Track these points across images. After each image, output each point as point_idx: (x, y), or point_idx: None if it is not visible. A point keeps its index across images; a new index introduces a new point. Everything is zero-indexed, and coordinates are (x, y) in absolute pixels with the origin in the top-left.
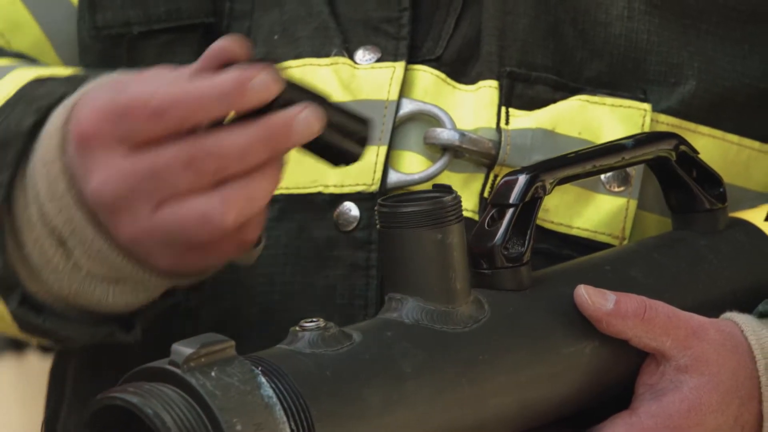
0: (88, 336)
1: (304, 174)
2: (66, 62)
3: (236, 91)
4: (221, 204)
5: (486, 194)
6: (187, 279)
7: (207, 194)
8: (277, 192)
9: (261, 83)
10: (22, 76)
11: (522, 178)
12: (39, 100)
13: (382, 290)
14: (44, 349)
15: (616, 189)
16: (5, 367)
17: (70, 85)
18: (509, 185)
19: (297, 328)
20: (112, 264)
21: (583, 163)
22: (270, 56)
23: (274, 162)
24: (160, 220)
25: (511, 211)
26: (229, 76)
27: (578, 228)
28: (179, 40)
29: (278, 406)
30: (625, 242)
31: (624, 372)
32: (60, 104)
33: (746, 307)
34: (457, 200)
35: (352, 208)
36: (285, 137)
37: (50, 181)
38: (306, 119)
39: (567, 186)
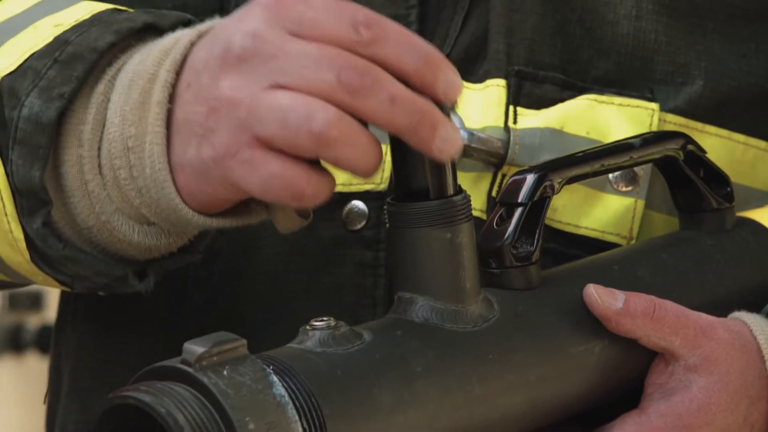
0: (102, 274)
1: None
2: None
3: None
4: (333, 116)
5: (494, 194)
6: (212, 220)
7: (326, 103)
8: None
9: (448, 136)
10: (96, 5)
11: (530, 177)
12: (119, 23)
13: (391, 289)
14: (44, 350)
15: (624, 189)
16: (5, 367)
17: (152, 15)
18: (517, 184)
19: (307, 327)
20: (150, 189)
21: (591, 162)
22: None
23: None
24: (272, 96)
25: (519, 210)
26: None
27: (586, 228)
28: None
29: (290, 405)
30: (633, 242)
31: (633, 372)
32: (147, 34)
33: (754, 307)
34: (467, 199)
35: (360, 207)
36: (432, 125)
37: (142, 93)
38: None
39: (575, 186)
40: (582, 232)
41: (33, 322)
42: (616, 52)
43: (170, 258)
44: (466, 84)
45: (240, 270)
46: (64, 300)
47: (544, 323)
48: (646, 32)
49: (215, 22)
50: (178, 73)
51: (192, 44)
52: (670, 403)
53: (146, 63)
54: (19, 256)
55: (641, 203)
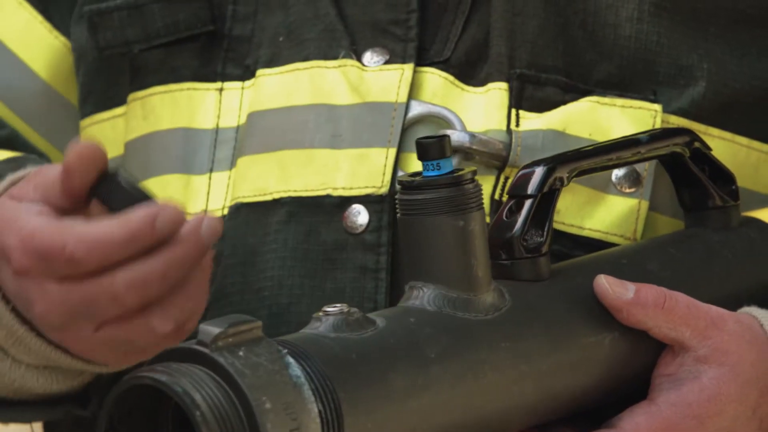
0: (47, 416)
1: (312, 177)
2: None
3: (146, 231)
4: (161, 317)
5: (497, 196)
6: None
7: (145, 312)
8: (286, 195)
9: (167, 219)
10: None
11: (539, 170)
12: None
13: (392, 293)
14: None
15: (628, 190)
16: None
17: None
18: (527, 177)
19: (320, 313)
20: (54, 360)
21: (599, 156)
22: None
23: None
24: (104, 336)
25: (529, 202)
26: (137, 216)
27: (590, 229)
28: (181, 50)
29: (306, 386)
30: None
31: (642, 363)
32: None
33: (762, 303)
34: (478, 187)
35: (361, 211)
36: (199, 253)
37: None
38: (211, 228)
39: (578, 187)
40: (585, 233)
41: None
42: (619, 54)
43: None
44: (467, 87)
45: (243, 274)
46: None
47: (555, 314)
48: (648, 35)
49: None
50: None
51: None
52: (680, 393)
53: None
54: None
55: (645, 204)
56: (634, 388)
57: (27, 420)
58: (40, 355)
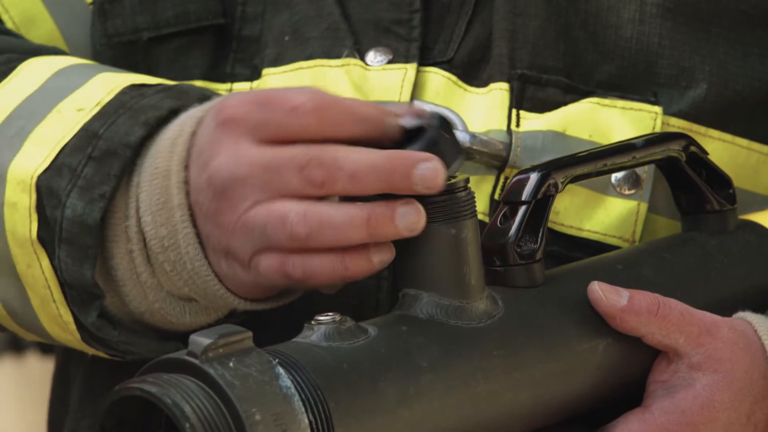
0: (155, 351)
1: None
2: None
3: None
4: (302, 213)
5: (497, 196)
6: (257, 305)
7: (298, 201)
8: None
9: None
10: (112, 80)
11: (534, 176)
12: (146, 112)
13: (395, 292)
14: (44, 350)
15: (627, 192)
16: (5, 367)
17: (174, 97)
18: (521, 183)
19: (312, 322)
20: (195, 281)
21: (594, 162)
22: None
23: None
24: (253, 214)
25: (523, 208)
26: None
27: (588, 231)
28: (192, 44)
29: (296, 397)
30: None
31: (636, 370)
32: (171, 119)
33: (758, 307)
34: (471, 195)
35: None
36: (406, 177)
37: (162, 193)
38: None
39: (577, 188)
40: (585, 235)
41: None
42: (620, 55)
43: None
44: (469, 88)
45: None
46: None
47: (548, 320)
48: (650, 36)
49: (213, 104)
50: (188, 166)
51: (193, 133)
52: (674, 400)
53: (158, 158)
54: (69, 336)
55: (644, 206)
56: (629, 394)
57: (138, 348)
58: (188, 265)
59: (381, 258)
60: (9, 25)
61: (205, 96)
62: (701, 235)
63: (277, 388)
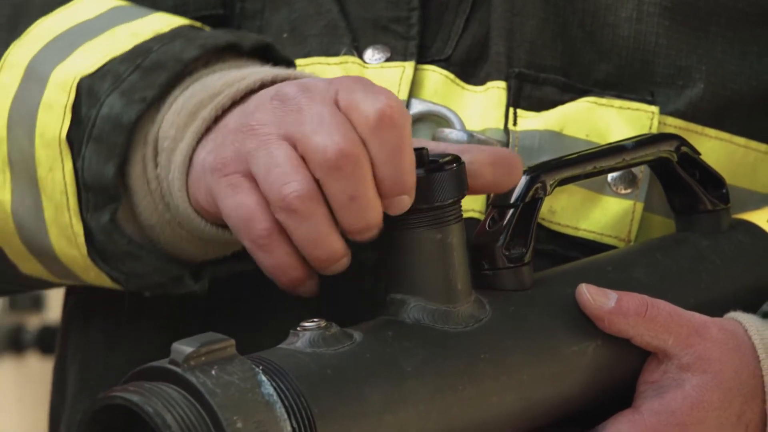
0: (159, 272)
1: None
2: None
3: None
4: (302, 189)
5: None
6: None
7: (307, 175)
8: None
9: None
10: (171, 18)
11: (522, 179)
12: (203, 39)
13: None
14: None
15: (623, 191)
16: (5, 367)
17: (232, 34)
18: None
19: (297, 329)
20: (172, 193)
21: (583, 164)
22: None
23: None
24: (274, 143)
25: (511, 211)
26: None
27: (585, 230)
28: None
29: (279, 404)
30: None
31: (626, 372)
32: (227, 54)
33: (750, 307)
34: (457, 200)
35: None
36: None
37: (198, 104)
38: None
39: (574, 188)
40: (581, 234)
41: (33, 322)
42: (617, 55)
43: (223, 263)
44: (467, 86)
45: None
46: (71, 301)
47: (536, 323)
48: (647, 35)
49: (295, 72)
50: (236, 103)
51: (263, 83)
52: (664, 400)
53: (217, 82)
54: (74, 251)
55: (640, 206)
56: (619, 395)
57: (142, 266)
58: (170, 190)
59: (305, 291)
60: None
61: (261, 41)
62: (694, 236)
63: (260, 395)
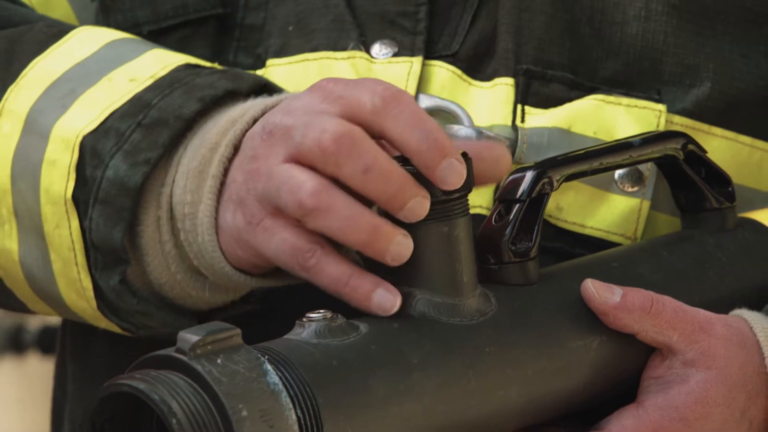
0: (170, 325)
1: None
2: None
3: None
4: (313, 186)
5: None
6: (268, 281)
7: (315, 175)
8: None
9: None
10: (166, 57)
11: (529, 174)
12: (202, 90)
13: None
14: (44, 350)
15: (630, 189)
16: (5, 367)
17: (230, 79)
18: (516, 182)
19: (303, 319)
20: (203, 255)
21: (590, 160)
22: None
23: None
24: (278, 169)
25: (518, 206)
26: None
27: (591, 228)
28: (193, 35)
29: (284, 393)
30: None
31: (631, 367)
32: (226, 101)
33: (755, 305)
34: (463, 194)
35: None
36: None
37: (204, 162)
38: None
39: (581, 185)
40: (587, 231)
41: (33, 322)
42: (625, 52)
43: (231, 307)
44: (474, 82)
45: None
46: None
47: (541, 318)
48: (655, 33)
49: (282, 96)
50: (237, 147)
51: (254, 120)
52: (668, 396)
53: (212, 132)
54: (84, 304)
55: (647, 204)
56: (624, 390)
57: (153, 321)
58: (202, 252)
59: (380, 301)
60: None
61: (258, 82)
62: (700, 233)
63: (265, 384)
